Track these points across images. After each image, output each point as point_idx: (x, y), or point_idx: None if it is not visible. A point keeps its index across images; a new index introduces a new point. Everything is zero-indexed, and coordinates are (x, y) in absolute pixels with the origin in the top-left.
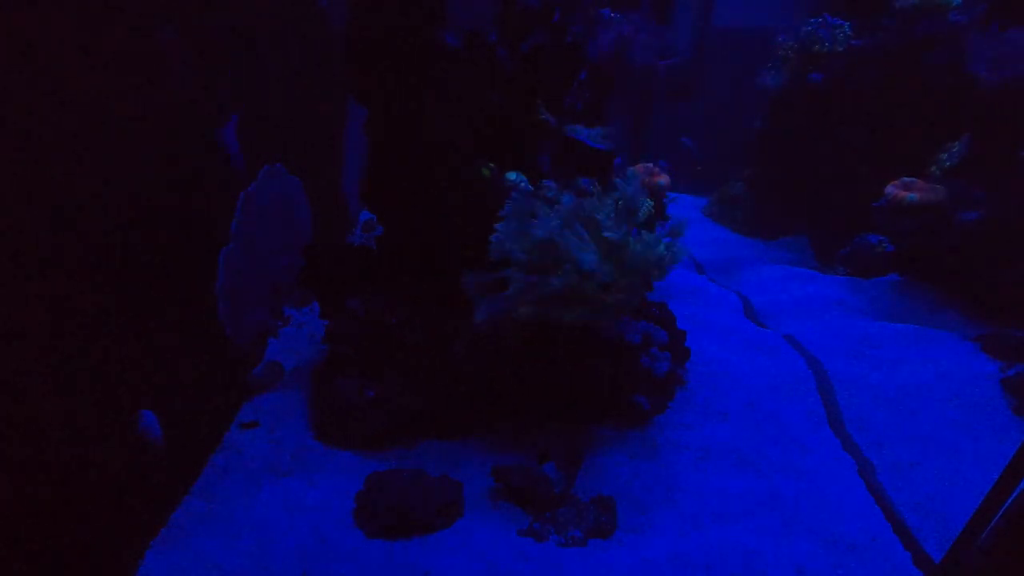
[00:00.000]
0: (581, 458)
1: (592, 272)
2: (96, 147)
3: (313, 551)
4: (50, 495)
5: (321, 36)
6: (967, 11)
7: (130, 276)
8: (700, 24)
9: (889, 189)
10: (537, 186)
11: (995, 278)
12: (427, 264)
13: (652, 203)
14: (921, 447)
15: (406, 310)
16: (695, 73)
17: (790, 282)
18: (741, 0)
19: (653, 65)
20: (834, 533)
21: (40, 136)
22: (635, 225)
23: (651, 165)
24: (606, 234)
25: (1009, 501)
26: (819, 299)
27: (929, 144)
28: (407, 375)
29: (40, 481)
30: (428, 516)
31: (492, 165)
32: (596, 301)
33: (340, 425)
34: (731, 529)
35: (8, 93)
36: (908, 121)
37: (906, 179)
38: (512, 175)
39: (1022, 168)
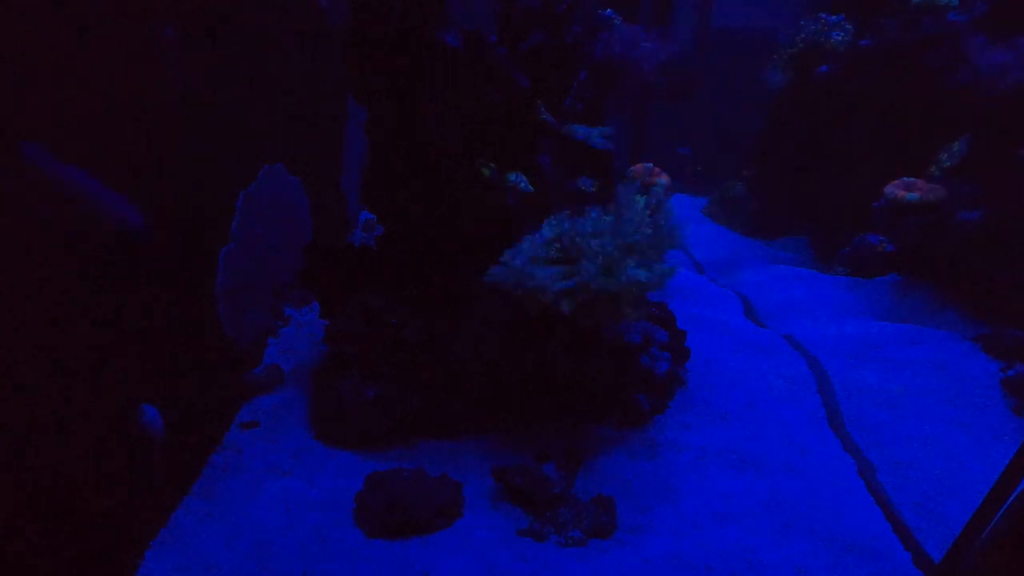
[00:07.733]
0: (581, 458)
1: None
2: (95, 147)
3: (313, 551)
4: (50, 495)
5: (321, 36)
6: (967, 11)
7: (130, 276)
8: (700, 24)
9: (889, 189)
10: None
11: (995, 278)
12: (427, 264)
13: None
14: (921, 447)
15: (406, 310)
16: (695, 74)
17: (790, 282)
18: (741, 0)
19: (653, 66)
20: (834, 533)
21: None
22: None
23: (650, 165)
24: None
25: (1009, 501)
26: (819, 299)
27: (929, 144)
28: (407, 375)
29: (40, 481)
30: (428, 516)
31: (492, 165)
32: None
33: (340, 425)
34: (731, 529)
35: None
36: (908, 121)
37: (906, 179)
38: (512, 175)
39: (1022, 168)
